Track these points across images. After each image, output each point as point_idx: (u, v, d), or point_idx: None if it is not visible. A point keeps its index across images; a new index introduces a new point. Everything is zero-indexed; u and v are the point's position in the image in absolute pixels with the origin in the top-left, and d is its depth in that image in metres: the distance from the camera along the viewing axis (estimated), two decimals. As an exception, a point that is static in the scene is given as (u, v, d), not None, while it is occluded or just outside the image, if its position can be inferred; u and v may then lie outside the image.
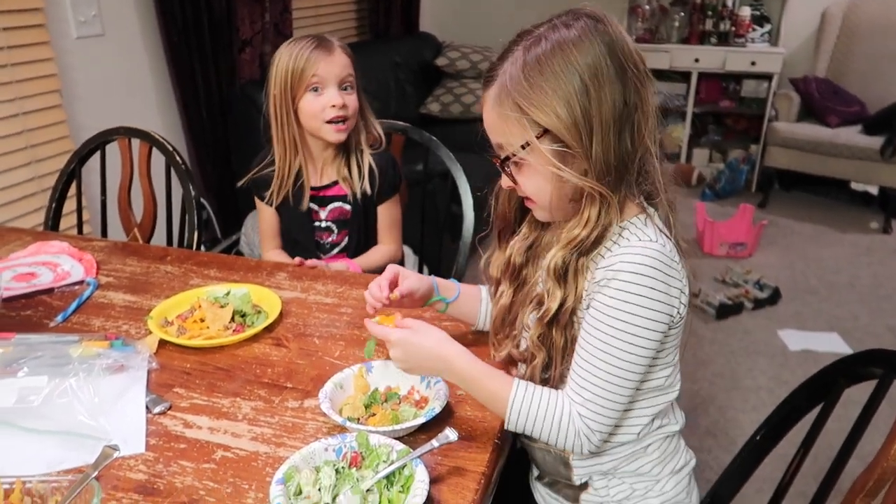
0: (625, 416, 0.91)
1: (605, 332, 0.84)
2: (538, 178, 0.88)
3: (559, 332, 0.90)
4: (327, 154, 1.57)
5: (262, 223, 1.67)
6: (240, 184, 1.62)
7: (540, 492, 1.08)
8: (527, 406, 0.86)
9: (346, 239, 1.63)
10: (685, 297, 0.87)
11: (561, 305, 0.88)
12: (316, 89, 1.47)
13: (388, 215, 1.64)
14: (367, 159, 1.56)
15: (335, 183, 1.58)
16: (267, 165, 1.58)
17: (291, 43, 1.49)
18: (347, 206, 1.59)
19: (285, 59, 1.47)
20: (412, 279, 1.06)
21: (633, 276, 0.82)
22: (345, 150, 1.57)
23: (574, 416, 0.85)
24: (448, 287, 1.12)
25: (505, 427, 0.89)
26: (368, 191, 1.56)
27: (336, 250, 1.64)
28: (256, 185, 1.60)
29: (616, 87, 0.83)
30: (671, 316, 0.85)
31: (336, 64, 1.47)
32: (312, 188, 1.58)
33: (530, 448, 1.04)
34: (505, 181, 0.94)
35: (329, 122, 1.47)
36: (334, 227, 1.62)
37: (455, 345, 0.91)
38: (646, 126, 0.86)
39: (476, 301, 1.13)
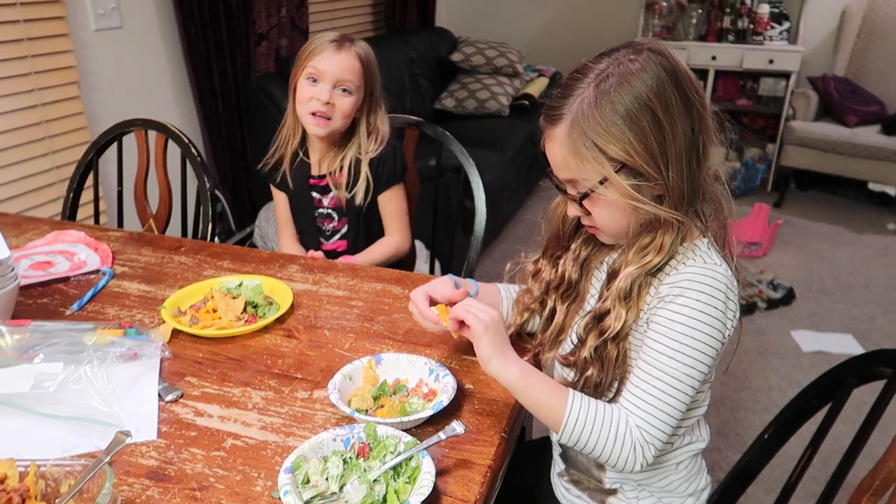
0: None
1: (668, 346, 0.85)
2: (614, 210, 0.89)
3: (614, 345, 0.91)
4: (321, 148, 1.59)
5: (277, 209, 1.71)
6: (259, 166, 1.65)
7: (561, 488, 1.09)
8: (584, 415, 0.85)
9: (347, 226, 1.65)
10: (736, 321, 0.89)
11: (623, 323, 0.90)
12: (314, 80, 1.50)
13: (389, 205, 1.64)
14: (364, 169, 1.57)
15: (331, 173, 1.60)
16: (277, 145, 1.63)
17: (323, 32, 1.55)
18: (341, 196, 1.62)
19: (307, 43, 1.53)
20: (442, 288, 1.04)
21: (700, 295, 0.84)
22: (338, 150, 1.59)
23: (632, 427, 0.85)
24: (467, 283, 1.12)
25: (557, 439, 0.89)
26: (357, 197, 1.58)
27: (337, 237, 1.67)
28: (269, 167, 1.64)
29: (684, 116, 0.85)
30: (724, 335, 0.87)
31: (337, 63, 1.49)
32: (312, 177, 1.62)
33: (564, 446, 1.04)
34: (572, 211, 0.95)
35: (312, 113, 1.50)
36: (335, 215, 1.64)
37: None
38: (709, 151, 0.89)
39: (496, 297, 1.14)
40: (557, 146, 0.88)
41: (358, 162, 1.57)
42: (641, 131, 0.83)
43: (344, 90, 1.50)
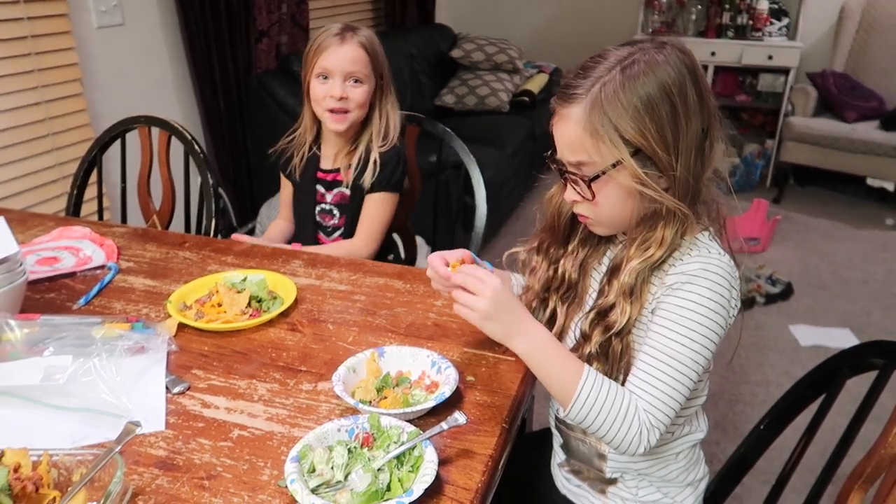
0: None
1: (676, 332, 0.87)
2: (620, 196, 0.90)
3: (618, 339, 0.93)
4: (338, 142, 1.62)
5: (281, 193, 1.77)
6: (271, 150, 1.69)
7: (561, 478, 1.11)
8: (595, 393, 0.86)
9: (347, 223, 1.67)
10: (737, 311, 0.91)
11: (629, 318, 0.91)
12: (325, 78, 1.52)
13: (371, 208, 1.61)
14: (374, 155, 1.58)
15: (339, 169, 1.63)
16: (292, 135, 1.67)
17: (325, 27, 1.57)
18: (347, 192, 1.63)
19: (312, 40, 1.55)
20: (458, 254, 1.05)
21: (708, 283, 0.87)
22: (354, 142, 1.62)
23: (640, 410, 0.86)
24: (483, 265, 1.12)
25: (563, 413, 0.89)
26: (365, 183, 1.58)
27: (337, 234, 1.69)
28: (284, 157, 1.67)
29: (698, 114, 0.87)
30: (727, 323, 0.90)
31: (343, 57, 1.51)
32: (321, 170, 1.65)
33: (565, 435, 1.06)
34: (570, 195, 0.94)
35: (329, 110, 1.53)
36: (336, 211, 1.67)
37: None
38: (713, 153, 0.91)
39: (507, 283, 1.15)
40: (572, 126, 0.89)
41: (368, 152, 1.60)
42: (660, 120, 0.85)
43: (355, 81, 1.52)
